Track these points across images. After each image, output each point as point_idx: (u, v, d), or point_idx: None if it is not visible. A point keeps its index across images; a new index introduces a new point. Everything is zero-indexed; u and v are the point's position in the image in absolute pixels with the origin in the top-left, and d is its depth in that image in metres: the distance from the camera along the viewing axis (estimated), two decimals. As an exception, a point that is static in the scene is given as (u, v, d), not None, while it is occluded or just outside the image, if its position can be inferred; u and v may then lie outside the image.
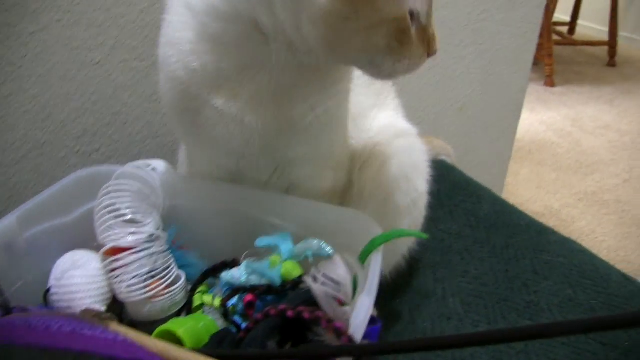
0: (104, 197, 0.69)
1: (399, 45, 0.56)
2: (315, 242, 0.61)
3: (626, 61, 4.09)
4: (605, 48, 3.94)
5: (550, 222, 2.11)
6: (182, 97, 0.64)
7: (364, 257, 0.59)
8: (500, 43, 1.46)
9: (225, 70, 0.61)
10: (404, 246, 0.82)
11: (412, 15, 0.56)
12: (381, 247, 0.59)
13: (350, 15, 0.53)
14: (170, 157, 0.94)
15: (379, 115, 0.81)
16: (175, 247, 0.72)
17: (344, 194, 0.77)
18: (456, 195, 1.04)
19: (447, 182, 1.08)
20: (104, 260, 0.67)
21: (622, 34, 4.28)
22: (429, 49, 0.60)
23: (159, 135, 1.11)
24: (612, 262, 1.94)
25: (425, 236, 0.72)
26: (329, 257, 0.59)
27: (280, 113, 0.63)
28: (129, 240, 0.67)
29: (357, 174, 0.77)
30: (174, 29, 0.63)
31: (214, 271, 0.70)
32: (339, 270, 0.56)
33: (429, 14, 0.59)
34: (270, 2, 0.56)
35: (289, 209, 0.69)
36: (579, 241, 2.03)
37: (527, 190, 2.31)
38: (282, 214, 0.69)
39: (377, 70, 0.59)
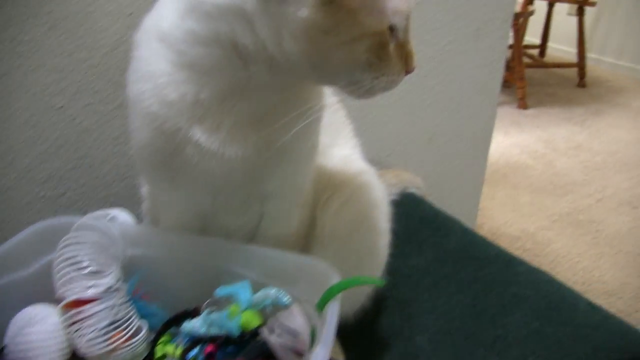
0: (62, 250, 0.68)
1: (378, 60, 0.57)
2: (273, 292, 0.60)
3: (595, 82, 4.17)
4: (575, 69, 4.02)
5: (526, 245, 2.13)
6: (158, 134, 0.63)
7: (321, 305, 0.59)
8: (467, 73, 1.48)
9: (205, 100, 0.61)
10: (369, 286, 0.82)
11: (392, 30, 0.57)
12: (339, 295, 0.59)
13: (331, 28, 0.54)
14: (137, 199, 0.93)
15: (338, 154, 0.81)
16: (137, 297, 0.71)
17: (308, 236, 0.77)
18: (424, 229, 1.05)
19: (415, 215, 1.08)
20: (63, 314, 0.66)
21: (590, 55, 4.38)
22: (407, 65, 0.61)
23: (126, 177, 1.11)
24: (587, 283, 1.96)
25: (382, 283, 0.72)
26: (287, 306, 0.59)
27: (261, 141, 0.63)
28: (89, 292, 0.66)
29: (319, 213, 0.77)
30: (146, 63, 0.63)
31: (176, 320, 0.69)
32: (297, 320, 0.56)
33: (406, 30, 0.60)
34: (250, 20, 0.56)
35: (249, 257, 0.68)
36: (554, 263, 2.06)
37: (503, 214, 2.33)
38: (243, 262, 0.68)
39: (357, 87, 0.59)
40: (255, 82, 0.60)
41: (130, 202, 0.89)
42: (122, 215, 0.82)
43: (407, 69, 0.61)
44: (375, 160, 1.40)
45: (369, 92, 0.59)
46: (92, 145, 1.07)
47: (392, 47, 0.58)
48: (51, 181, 1.05)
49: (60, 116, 1.02)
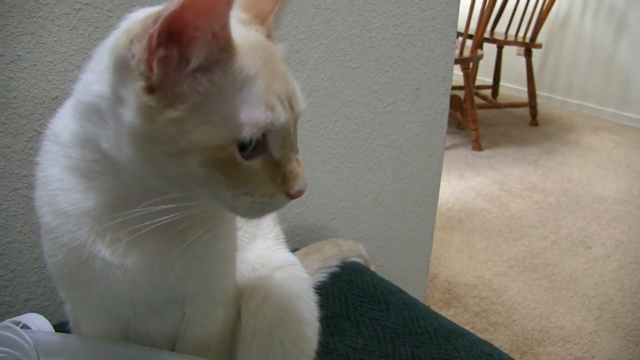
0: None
1: (227, 178, 0.50)
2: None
3: (547, 119, 4.29)
4: (527, 108, 4.12)
5: (482, 293, 2.13)
6: (56, 247, 0.60)
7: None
8: (409, 132, 1.49)
9: (95, 210, 0.57)
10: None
11: (259, 146, 0.51)
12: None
13: (155, 136, 0.48)
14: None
15: (259, 247, 0.80)
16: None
17: (235, 333, 0.75)
18: (363, 304, 1.03)
19: (355, 288, 1.07)
20: None
21: (541, 93, 4.51)
22: (287, 187, 0.54)
23: (57, 260, 1.07)
24: (544, 330, 1.97)
25: None
26: None
27: (165, 250, 0.59)
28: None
29: (242, 309, 0.75)
30: (41, 168, 0.60)
31: None
32: None
33: (285, 147, 0.53)
34: (106, 123, 0.52)
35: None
36: (511, 311, 2.07)
37: (459, 262, 2.34)
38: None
39: (222, 203, 0.53)
40: (135, 191, 0.55)
41: (37, 314, 0.86)
42: (37, 321, 0.79)
43: (288, 191, 0.54)
44: (319, 225, 1.40)
45: (238, 211, 0.54)
46: (21, 230, 1.03)
47: (255, 163, 0.51)
48: (-23, 270, 1.01)
49: (-16, 203, 0.99)
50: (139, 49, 0.46)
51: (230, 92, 0.49)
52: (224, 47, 0.48)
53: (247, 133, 0.49)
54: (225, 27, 0.47)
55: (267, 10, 0.57)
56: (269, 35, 0.57)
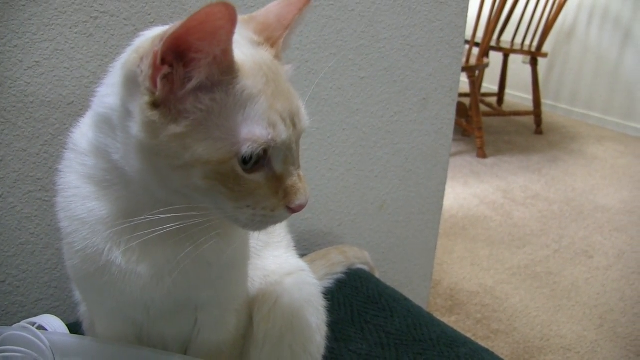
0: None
1: (229, 190, 0.52)
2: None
3: (551, 128, 4.30)
4: (532, 116, 4.13)
5: (484, 300, 2.15)
6: (72, 252, 0.62)
7: None
8: (415, 141, 1.51)
9: (109, 219, 0.59)
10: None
11: (260, 161, 0.53)
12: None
13: (160, 150, 0.51)
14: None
15: (271, 254, 0.82)
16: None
17: (246, 337, 0.77)
18: (368, 310, 1.05)
19: (360, 295, 1.09)
20: None
21: (546, 101, 4.53)
22: (288, 201, 0.55)
23: (68, 262, 1.09)
24: (545, 339, 1.99)
25: None
26: None
27: (175, 257, 0.61)
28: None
29: (254, 314, 0.77)
30: (61, 175, 0.63)
31: None
32: None
33: (286, 163, 0.55)
34: (116, 135, 0.55)
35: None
36: (512, 319, 2.08)
37: (462, 269, 2.35)
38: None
39: (226, 215, 0.55)
40: (144, 201, 0.58)
41: (53, 316, 0.88)
42: (52, 323, 0.81)
43: (289, 205, 0.55)
44: (325, 231, 1.41)
45: (239, 222, 0.55)
46: (33, 231, 1.06)
47: (257, 177, 0.53)
48: (-10, 269, 1.03)
49: (-1, 205, 1.01)
50: (146, 66, 0.49)
51: (233, 109, 0.51)
52: (225, 70, 0.51)
53: (248, 148, 0.51)
54: (227, 52, 0.50)
55: (277, 35, 0.60)
56: (277, 56, 0.60)
